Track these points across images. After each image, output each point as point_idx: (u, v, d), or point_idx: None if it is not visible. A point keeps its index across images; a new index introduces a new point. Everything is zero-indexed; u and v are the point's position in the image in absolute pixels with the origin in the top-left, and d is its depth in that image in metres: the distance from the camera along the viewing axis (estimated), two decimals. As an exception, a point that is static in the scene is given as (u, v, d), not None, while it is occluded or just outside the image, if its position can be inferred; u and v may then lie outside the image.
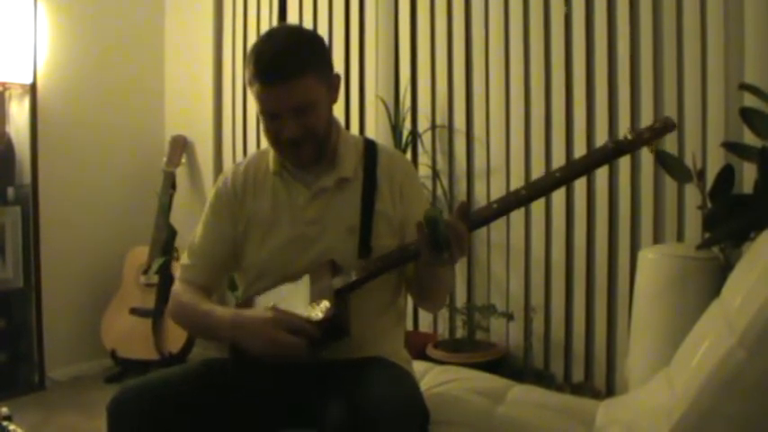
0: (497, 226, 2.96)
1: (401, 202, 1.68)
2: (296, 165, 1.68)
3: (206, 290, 1.72)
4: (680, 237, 2.59)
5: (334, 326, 1.47)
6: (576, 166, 1.43)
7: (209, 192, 1.80)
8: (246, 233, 1.70)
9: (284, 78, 1.52)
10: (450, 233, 1.38)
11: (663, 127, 1.35)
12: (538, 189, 1.44)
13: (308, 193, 1.67)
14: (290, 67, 1.52)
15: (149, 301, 3.51)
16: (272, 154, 1.72)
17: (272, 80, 1.53)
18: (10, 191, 3.35)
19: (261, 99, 1.56)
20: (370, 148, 1.73)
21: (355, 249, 1.61)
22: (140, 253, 3.62)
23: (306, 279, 1.58)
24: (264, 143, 1.74)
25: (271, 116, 1.58)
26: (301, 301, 1.52)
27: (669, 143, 2.58)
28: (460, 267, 3.09)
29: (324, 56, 1.64)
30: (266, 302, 1.57)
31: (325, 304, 1.47)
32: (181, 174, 3.85)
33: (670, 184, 2.58)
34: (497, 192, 3.01)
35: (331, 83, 1.64)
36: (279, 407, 1.58)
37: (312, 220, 1.65)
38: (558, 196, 2.85)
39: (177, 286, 1.73)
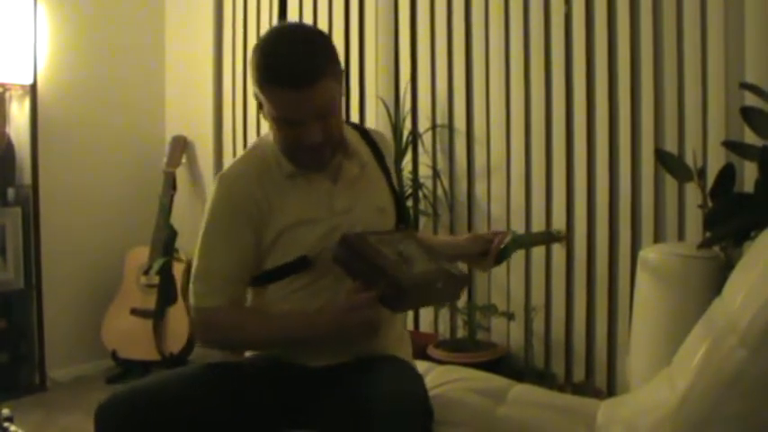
0: (497, 226, 2.96)
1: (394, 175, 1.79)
2: (314, 169, 1.61)
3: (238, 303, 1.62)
4: (681, 236, 2.59)
5: (462, 282, 1.71)
6: None
7: (210, 202, 1.63)
8: (279, 238, 1.59)
9: (308, 83, 1.46)
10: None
11: None
12: None
13: (333, 185, 1.63)
14: (311, 72, 1.46)
15: (150, 302, 3.51)
16: (276, 158, 1.63)
17: (294, 85, 1.46)
18: (10, 192, 3.35)
19: (280, 106, 1.50)
20: (363, 132, 1.78)
21: (392, 227, 1.70)
22: (141, 253, 3.62)
23: (407, 236, 1.66)
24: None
25: (291, 123, 1.51)
26: (420, 254, 1.59)
27: (670, 142, 2.58)
28: (461, 267, 3.08)
29: (335, 54, 1.57)
30: (390, 247, 1.54)
31: (450, 263, 1.65)
32: (181, 174, 3.85)
33: (670, 184, 2.58)
34: (498, 191, 3.01)
35: (342, 79, 1.59)
36: (278, 410, 1.57)
37: (344, 209, 1.62)
38: (559, 195, 2.85)
39: (214, 315, 1.58)
